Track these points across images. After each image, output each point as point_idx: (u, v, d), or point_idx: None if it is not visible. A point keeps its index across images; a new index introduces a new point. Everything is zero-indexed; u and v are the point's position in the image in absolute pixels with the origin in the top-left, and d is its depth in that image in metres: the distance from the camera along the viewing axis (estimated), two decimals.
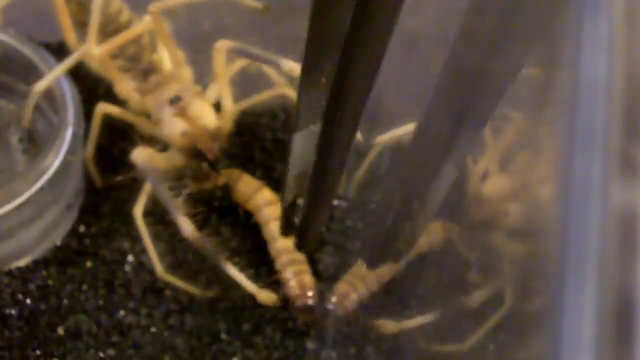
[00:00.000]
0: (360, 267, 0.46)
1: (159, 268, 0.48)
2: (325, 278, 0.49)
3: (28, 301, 0.49)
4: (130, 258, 0.50)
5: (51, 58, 0.50)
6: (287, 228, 0.38)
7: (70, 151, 0.48)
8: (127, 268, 0.50)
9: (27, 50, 0.50)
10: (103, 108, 0.49)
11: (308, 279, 0.48)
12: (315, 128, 0.34)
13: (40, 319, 0.48)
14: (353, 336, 0.47)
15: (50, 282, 0.49)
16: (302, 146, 0.35)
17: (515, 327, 0.26)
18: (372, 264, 0.43)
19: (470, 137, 0.29)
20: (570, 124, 0.23)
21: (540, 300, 0.23)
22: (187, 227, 0.46)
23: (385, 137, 0.48)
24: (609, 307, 0.21)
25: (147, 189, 0.48)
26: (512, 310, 0.27)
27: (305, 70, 0.31)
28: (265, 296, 0.47)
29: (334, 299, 0.47)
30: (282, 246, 0.48)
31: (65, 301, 0.49)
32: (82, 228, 0.51)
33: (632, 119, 0.23)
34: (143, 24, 0.49)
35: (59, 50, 0.52)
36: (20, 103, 0.52)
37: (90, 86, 0.52)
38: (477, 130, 0.29)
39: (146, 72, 0.50)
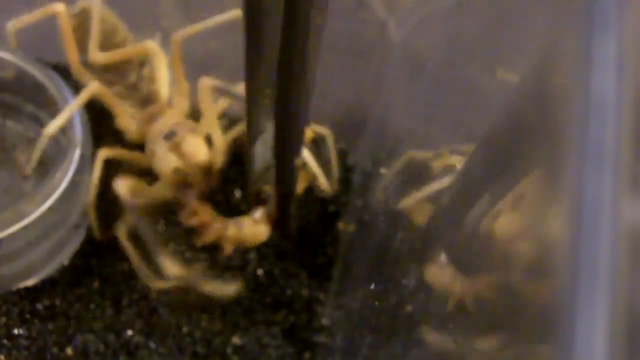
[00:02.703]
0: None
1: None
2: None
3: (36, 321, 0.49)
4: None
5: (60, 79, 0.50)
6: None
7: (78, 172, 0.48)
8: (135, 288, 0.50)
9: (36, 72, 0.51)
10: (105, 153, 0.49)
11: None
12: (264, 136, 0.43)
13: (48, 338, 0.48)
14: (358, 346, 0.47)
15: (57, 302, 0.49)
16: (259, 151, 0.44)
17: (526, 343, 0.26)
18: None
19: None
20: (580, 143, 0.23)
21: (551, 316, 0.23)
22: (170, 267, 0.46)
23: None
24: (621, 324, 0.22)
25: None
26: (523, 327, 0.27)
27: (249, 96, 0.40)
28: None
29: None
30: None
31: (72, 321, 0.49)
32: (89, 248, 0.51)
33: None
34: (147, 44, 0.50)
35: (68, 71, 0.52)
36: (28, 124, 0.52)
37: (99, 107, 0.53)
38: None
39: (144, 101, 0.51)
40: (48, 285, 0.50)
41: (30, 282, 0.50)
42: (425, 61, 0.46)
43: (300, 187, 0.49)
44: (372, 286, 0.45)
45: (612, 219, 0.22)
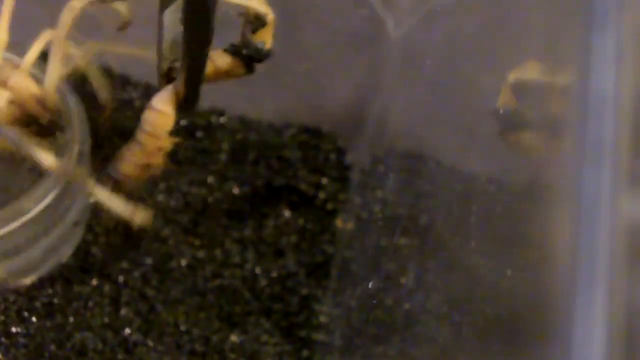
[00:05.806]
0: None
1: None
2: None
3: (34, 319, 0.49)
4: (136, 274, 0.50)
5: None
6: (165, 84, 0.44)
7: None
8: (133, 285, 0.50)
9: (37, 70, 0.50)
10: None
11: None
12: (176, 5, 0.41)
13: (46, 336, 0.48)
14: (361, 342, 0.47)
15: (56, 300, 0.49)
16: (169, 20, 0.42)
17: (524, 341, 0.26)
18: None
19: None
20: (580, 139, 0.23)
21: (550, 313, 0.23)
22: (46, 158, 0.44)
23: None
24: (619, 319, 0.22)
25: None
26: (521, 323, 0.27)
27: None
28: (143, 217, 0.45)
29: None
30: None
31: (71, 319, 0.49)
32: (88, 245, 0.51)
33: None
34: None
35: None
36: None
37: (96, 104, 0.52)
38: None
39: None
40: (46, 283, 0.50)
41: (28, 280, 0.50)
42: (425, 59, 0.46)
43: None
44: (370, 284, 0.45)
45: (611, 214, 0.23)
